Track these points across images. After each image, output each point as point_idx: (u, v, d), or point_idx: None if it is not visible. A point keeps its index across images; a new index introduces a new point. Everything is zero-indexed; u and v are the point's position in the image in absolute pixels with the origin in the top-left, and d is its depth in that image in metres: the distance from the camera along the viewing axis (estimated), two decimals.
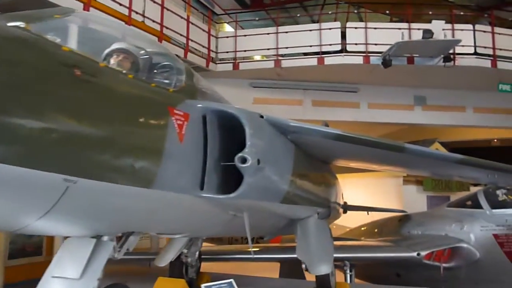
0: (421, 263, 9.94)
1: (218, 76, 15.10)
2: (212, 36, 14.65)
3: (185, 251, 7.19)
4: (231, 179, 4.30)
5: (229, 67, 14.71)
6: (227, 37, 15.01)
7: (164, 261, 6.91)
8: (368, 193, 17.28)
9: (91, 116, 2.97)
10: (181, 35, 12.84)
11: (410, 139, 17.18)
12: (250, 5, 21.12)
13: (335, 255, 9.60)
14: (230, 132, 4.44)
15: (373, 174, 16.67)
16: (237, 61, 14.66)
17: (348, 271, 10.29)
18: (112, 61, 3.86)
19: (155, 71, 4.13)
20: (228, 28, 17.93)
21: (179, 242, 6.97)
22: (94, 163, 3.00)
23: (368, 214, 12.32)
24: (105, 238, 3.82)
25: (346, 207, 10.63)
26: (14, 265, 9.51)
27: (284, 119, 5.24)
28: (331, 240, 6.72)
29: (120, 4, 10.48)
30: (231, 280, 4.78)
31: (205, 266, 10.15)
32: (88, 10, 9.50)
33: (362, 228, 13.21)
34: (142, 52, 4.15)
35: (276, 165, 4.88)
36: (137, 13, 11.06)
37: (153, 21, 11.68)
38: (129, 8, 10.72)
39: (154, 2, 11.77)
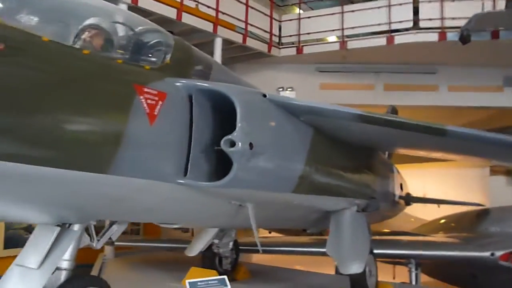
0: (497, 265, 8.69)
1: (282, 62, 14.61)
2: (275, 20, 14.14)
3: (216, 241, 6.91)
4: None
5: (292, 51, 14.12)
6: (291, 20, 14.39)
7: (194, 251, 6.68)
8: (448, 185, 15.78)
9: (24, 95, 2.72)
10: (239, 19, 12.49)
11: (500, 125, 15.36)
12: None
13: (398, 251, 8.85)
14: (225, 114, 4.01)
15: (454, 164, 15.14)
16: (301, 44, 13.99)
17: (413, 269, 9.37)
18: (83, 37, 3.61)
19: (133, 48, 3.81)
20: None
21: (209, 232, 6.69)
22: (28, 147, 2.75)
23: (439, 207, 11.13)
24: (76, 227, 3.61)
25: (410, 199, 9.67)
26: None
27: (294, 99, 4.68)
28: (368, 235, 5.99)
29: None
30: (224, 276, 4.37)
31: (265, 258, 9.78)
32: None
33: (436, 223, 12.00)
34: (120, 28, 3.85)
35: (282, 150, 4.36)
36: None
37: (208, 6, 11.45)
38: None
39: None
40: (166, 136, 3.60)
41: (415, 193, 16.51)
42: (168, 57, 3.95)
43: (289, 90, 14.62)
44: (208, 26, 11.49)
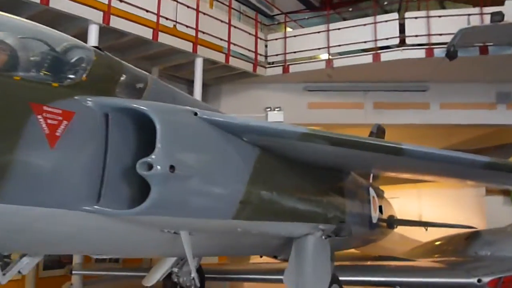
0: None
1: (270, 82, 14.36)
2: (261, 39, 13.94)
3: (175, 270, 6.52)
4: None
5: (278, 70, 13.87)
6: (277, 39, 14.19)
7: (150, 280, 6.29)
8: (444, 206, 15.23)
9: None
10: (221, 39, 12.30)
11: (497, 143, 14.90)
12: (319, 6, 20.10)
13: (377, 278, 8.35)
14: (150, 135, 3.67)
15: (450, 184, 14.62)
16: (287, 63, 13.75)
17: None
18: None
19: (40, 64, 3.50)
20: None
21: (166, 261, 6.31)
22: None
23: (426, 230, 10.63)
24: None
25: (393, 222, 9.20)
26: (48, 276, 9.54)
27: (233, 118, 4.34)
28: (329, 264, 5.55)
29: (147, 11, 10.21)
30: None
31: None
32: (108, 19, 9.33)
33: (427, 246, 11.45)
34: (29, 44, 3.56)
35: (216, 172, 4.00)
36: (167, 19, 10.72)
37: (187, 26, 11.27)
38: (157, 15, 10.40)
39: (188, 7, 11.38)
40: (72, 159, 3.27)
41: (410, 214, 16.05)
42: (85, 73, 3.65)
43: (277, 110, 14.35)
44: (188, 46, 11.28)
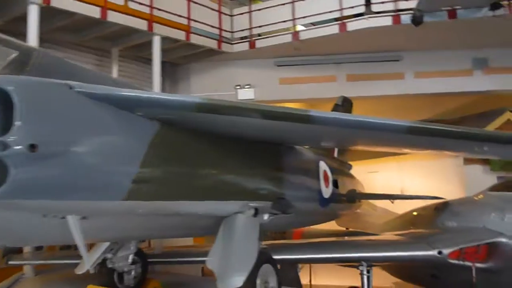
0: (448, 263, 7.86)
1: (239, 58, 13.92)
2: (225, 14, 13.45)
3: (109, 255, 6.23)
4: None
5: (245, 46, 13.41)
6: (242, 13, 13.68)
7: (83, 268, 5.99)
8: (424, 178, 14.93)
9: None
10: (180, 16, 11.82)
11: (481, 110, 14.44)
12: None
13: (338, 255, 8.08)
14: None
15: (430, 156, 14.29)
16: (253, 38, 13.28)
17: (365, 273, 8.56)
18: None
19: None
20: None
21: (99, 247, 6.02)
22: None
23: (392, 203, 10.32)
24: None
25: (354, 196, 8.88)
26: None
27: (121, 90, 3.96)
28: (256, 244, 5.21)
29: None
30: None
31: None
32: None
33: (397, 220, 11.15)
34: None
35: (96, 150, 3.65)
36: None
37: (141, 3, 10.80)
38: None
39: None
40: None
41: (392, 188, 15.75)
42: None
43: (247, 87, 13.96)
44: (142, 24, 10.84)
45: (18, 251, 8.60)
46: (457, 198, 9.83)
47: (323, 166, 7.51)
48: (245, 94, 13.81)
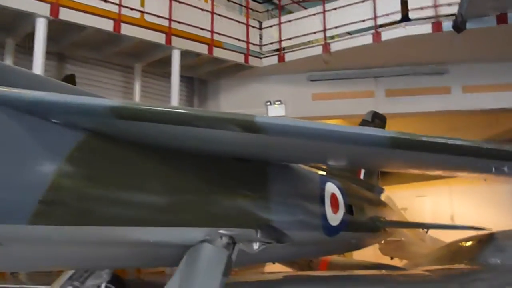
0: None
1: (270, 73, 13.22)
2: (253, 27, 12.84)
3: (76, 284, 5.60)
4: None
5: (274, 60, 12.69)
6: (271, 26, 13.01)
7: None
8: (476, 204, 13.34)
9: None
10: (202, 29, 11.36)
11: None
12: None
13: None
14: None
15: (481, 181, 12.73)
16: (282, 52, 12.55)
17: None
18: None
19: None
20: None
21: (65, 274, 5.43)
22: None
23: (426, 232, 8.99)
24: None
25: (378, 224, 7.74)
26: None
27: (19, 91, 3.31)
28: (218, 280, 4.35)
29: (106, 1, 9.50)
30: None
31: None
32: (56, 12, 8.70)
33: (439, 251, 9.77)
34: None
35: None
36: (132, 9, 9.95)
37: (158, 16, 10.44)
38: (119, 4, 9.66)
39: None
40: None
41: (441, 214, 14.25)
42: None
43: (277, 104, 13.20)
44: (159, 38, 10.46)
45: None
46: (506, 230, 8.38)
47: (330, 188, 6.50)
48: (276, 111, 13.06)
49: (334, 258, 10.05)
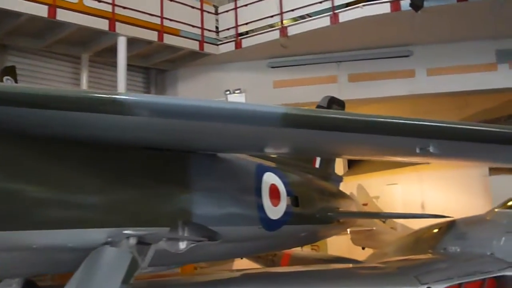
0: None
1: (227, 61, 12.62)
2: (208, 12, 12.21)
3: None
4: None
5: (231, 47, 12.09)
6: (227, 11, 12.39)
7: None
8: (446, 190, 12.99)
9: None
10: (151, 14, 10.69)
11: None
12: None
13: None
14: None
15: (451, 166, 12.37)
16: (238, 38, 11.95)
17: None
18: None
19: None
20: None
21: None
22: None
23: (384, 222, 8.52)
24: None
25: (330, 216, 7.23)
26: None
27: None
28: (117, 285, 3.79)
29: None
30: None
31: None
32: None
33: (397, 242, 9.32)
34: None
35: None
36: None
37: (100, 1, 9.74)
38: None
39: None
40: None
41: (412, 200, 13.85)
42: None
43: (237, 92, 12.61)
44: (102, 24, 9.78)
45: None
46: (466, 217, 7.93)
47: (270, 179, 5.95)
48: (235, 100, 12.45)
49: (296, 252, 9.56)
